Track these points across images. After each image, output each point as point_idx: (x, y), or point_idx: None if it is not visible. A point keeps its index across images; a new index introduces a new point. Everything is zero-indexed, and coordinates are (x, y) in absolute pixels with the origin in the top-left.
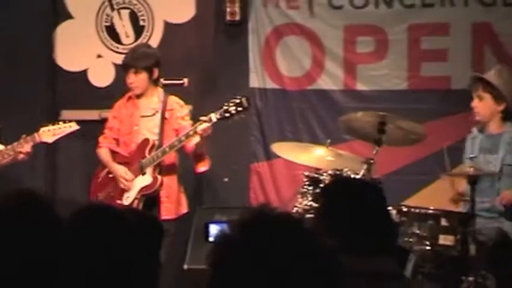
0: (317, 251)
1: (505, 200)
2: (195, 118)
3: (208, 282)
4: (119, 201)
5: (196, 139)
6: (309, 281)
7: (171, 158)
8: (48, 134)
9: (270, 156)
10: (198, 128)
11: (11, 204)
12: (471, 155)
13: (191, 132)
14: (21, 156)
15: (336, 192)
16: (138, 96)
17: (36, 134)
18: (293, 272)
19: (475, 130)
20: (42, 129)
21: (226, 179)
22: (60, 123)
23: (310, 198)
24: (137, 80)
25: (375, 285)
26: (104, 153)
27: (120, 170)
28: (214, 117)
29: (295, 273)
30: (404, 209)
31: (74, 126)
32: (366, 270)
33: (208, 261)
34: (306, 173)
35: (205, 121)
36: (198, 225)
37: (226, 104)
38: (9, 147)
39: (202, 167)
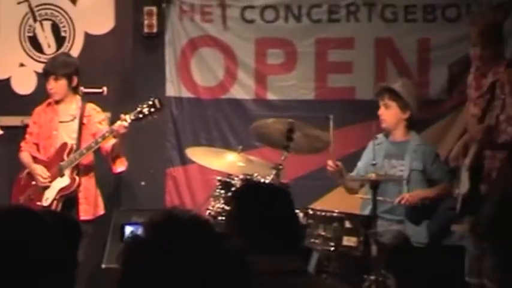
0: (224, 252)
1: (404, 200)
2: (111, 124)
3: (119, 280)
4: (38, 203)
5: (112, 141)
6: (217, 280)
7: (88, 159)
8: None
9: (185, 161)
10: (114, 126)
11: None
12: (373, 162)
13: (107, 134)
14: None
15: (246, 196)
16: (57, 103)
17: None
18: (201, 272)
19: (380, 136)
20: None
21: (143, 183)
22: None
23: (222, 202)
24: (57, 86)
25: (282, 282)
26: (25, 156)
27: (38, 169)
28: (128, 117)
29: (203, 274)
30: (311, 212)
31: None
32: (274, 269)
33: (119, 261)
34: (219, 178)
35: (121, 121)
36: (115, 226)
37: (140, 105)
38: None
39: (120, 168)
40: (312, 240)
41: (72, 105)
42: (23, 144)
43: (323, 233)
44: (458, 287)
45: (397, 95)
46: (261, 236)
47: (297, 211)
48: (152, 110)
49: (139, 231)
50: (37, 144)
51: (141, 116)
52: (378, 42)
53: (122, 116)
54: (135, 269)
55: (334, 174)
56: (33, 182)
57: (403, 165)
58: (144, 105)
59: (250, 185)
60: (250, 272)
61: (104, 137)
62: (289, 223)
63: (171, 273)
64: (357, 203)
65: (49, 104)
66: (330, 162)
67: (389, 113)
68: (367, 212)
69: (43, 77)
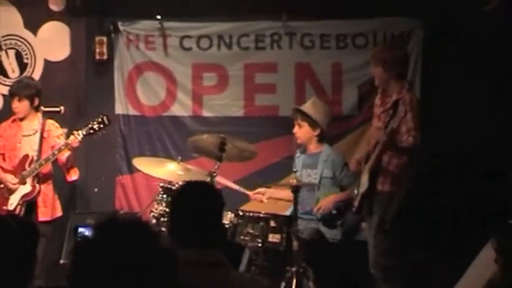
0: (158, 248)
1: (321, 209)
2: (67, 138)
3: (68, 275)
4: (4, 207)
5: (67, 153)
6: (152, 273)
7: (47, 169)
8: None
9: (132, 170)
10: (68, 140)
11: None
12: (294, 170)
13: (62, 147)
14: None
15: (175, 198)
16: (21, 119)
17: None
18: (138, 266)
19: (297, 152)
20: None
21: (96, 189)
22: None
23: (164, 205)
24: (20, 106)
25: (204, 271)
26: None
27: (7, 177)
28: (81, 133)
29: (140, 267)
30: (241, 213)
31: None
32: (198, 260)
33: (70, 256)
34: (161, 184)
35: (75, 136)
36: (71, 227)
37: (91, 122)
38: None
39: (73, 176)
40: (242, 237)
41: (35, 121)
42: None
43: (251, 231)
44: (368, 277)
45: (307, 115)
46: (186, 232)
47: (228, 212)
48: (101, 126)
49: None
50: (3, 155)
51: (92, 131)
52: (297, 66)
53: (75, 131)
54: (82, 264)
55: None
56: (0, 186)
57: (316, 173)
58: (95, 122)
59: (180, 190)
60: (178, 262)
61: (59, 150)
62: (211, 222)
63: (113, 268)
64: (279, 206)
65: (14, 120)
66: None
67: (302, 131)
68: (288, 212)
69: (8, 97)
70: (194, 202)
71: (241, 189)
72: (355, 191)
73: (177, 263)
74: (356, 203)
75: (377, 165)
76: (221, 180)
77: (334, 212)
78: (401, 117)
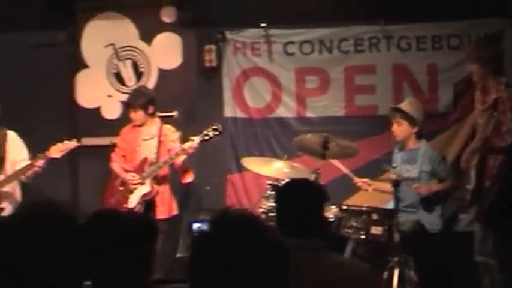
0: (268, 241)
1: (420, 188)
2: (182, 142)
3: (188, 265)
4: (124, 205)
5: (183, 157)
6: (262, 261)
7: (164, 171)
8: (56, 150)
9: (241, 169)
10: (185, 146)
11: (34, 212)
12: (394, 165)
13: (179, 151)
14: (37, 169)
15: (281, 194)
16: (140, 125)
17: (47, 152)
18: (249, 256)
19: (396, 148)
20: (51, 148)
21: (208, 188)
22: (64, 141)
23: (272, 201)
24: (136, 115)
25: (305, 255)
26: (115, 166)
27: (128, 175)
28: (197, 139)
29: (251, 256)
30: (344, 207)
31: (75, 143)
32: (301, 246)
33: (189, 249)
34: (269, 182)
35: (191, 142)
36: (186, 223)
37: (206, 129)
38: (28, 162)
39: (188, 179)
40: (346, 230)
41: (153, 126)
42: (113, 155)
43: (354, 224)
44: (467, 266)
45: (406, 114)
46: (290, 225)
47: (332, 206)
48: (216, 133)
49: (205, 227)
50: (124, 156)
51: (207, 138)
52: (395, 67)
53: (191, 138)
54: (200, 256)
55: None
56: (121, 188)
57: (415, 168)
58: (209, 129)
59: (285, 186)
60: (286, 249)
61: (177, 154)
62: (312, 215)
63: (228, 259)
64: (379, 200)
65: (134, 125)
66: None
67: (401, 129)
68: (390, 206)
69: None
70: (296, 198)
71: (351, 175)
72: (468, 187)
73: (286, 253)
74: (468, 198)
75: (482, 163)
76: (336, 164)
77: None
78: (501, 116)
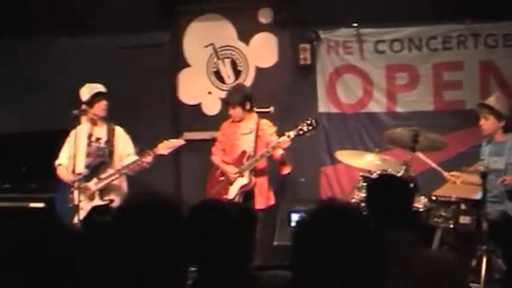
0: (369, 229)
1: (506, 181)
2: (278, 136)
3: (291, 252)
4: (225, 196)
5: (280, 151)
6: (364, 250)
7: (262, 163)
8: (163, 148)
9: (334, 161)
10: (280, 140)
11: (142, 203)
12: (482, 158)
13: (276, 145)
14: (145, 165)
15: (373, 187)
16: (239, 120)
17: (155, 149)
18: (352, 244)
19: (483, 142)
20: (159, 145)
21: (303, 179)
22: (172, 139)
23: (364, 192)
24: (234, 112)
25: (398, 247)
26: (216, 159)
27: (229, 168)
28: (292, 134)
29: (353, 245)
30: (434, 198)
31: (182, 141)
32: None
33: (292, 238)
34: (361, 173)
35: (286, 137)
36: (282, 213)
37: (300, 124)
38: (138, 158)
39: (286, 171)
40: (435, 219)
41: (251, 121)
42: (213, 149)
43: (444, 214)
44: None
45: (493, 109)
46: (380, 217)
47: (422, 197)
48: (310, 128)
49: (304, 215)
50: (224, 150)
51: (301, 132)
52: (482, 64)
53: (286, 132)
54: (302, 245)
55: None
56: (221, 178)
57: (502, 160)
58: (304, 124)
59: (378, 179)
60: (387, 247)
61: (273, 148)
62: (404, 206)
63: (330, 247)
64: (467, 190)
65: (233, 121)
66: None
67: (488, 124)
68: (477, 196)
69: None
70: (386, 193)
71: (439, 169)
72: None
73: (385, 244)
74: None
75: None
76: (424, 158)
77: None
78: None
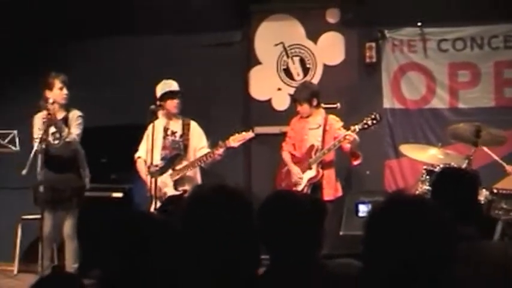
0: (440, 218)
1: None
2: (345, 130)
3: (363, 241)
4: (294, 188)
5: (347, 144)
6: (436, 238)
7: (330, 156)
8: (234, 140)
9: (398, 155)
10: (346, 133)
11: (215, 195)
12: None
13: (342, 139)
14: (217, 157)
15: (437, 180)
16: (307, 116)
17: (226, 142)
18: (424, 233)
19: None
20: (230, 137)
21: (368, 172)
22: (243, 132)
23: (427, 184)
24: (301, 108)
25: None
26: (285, 155)
27: (295, 169)
28: (357, 127)
29: (426, 234)
30: (495, 190)
31: (251, 134)
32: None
33: (364, 228)
34: (424, 167)
35: (351, 130)
36: (349, 204)
37: (365, 118)
38: (209, 150)
39: (357, 161)
40: (496, 212)
41: (318, 117)
42: (284, 144)
43: (505, 206)
44: None
45: None
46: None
47: (483, 189)
48: (374, 122)
49: (369, 207)
50: (294, 145)
51: (366, 126)
52: None
53: (352, 126)
54: (374, 233)
55: None
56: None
57: None
58: (368, 118)
59: (444, 172)
60: (456, 238)
61: (339, 141)
62: (469, 200)
63: (402, 236)
64: None
65: (301, 117)
66: None
67: None
68: None
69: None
70: (451, 187)
71: (502, 162)
72: None
73: (455, 235)
74: None
75: None
76: (488, 151)
77: None
78: None
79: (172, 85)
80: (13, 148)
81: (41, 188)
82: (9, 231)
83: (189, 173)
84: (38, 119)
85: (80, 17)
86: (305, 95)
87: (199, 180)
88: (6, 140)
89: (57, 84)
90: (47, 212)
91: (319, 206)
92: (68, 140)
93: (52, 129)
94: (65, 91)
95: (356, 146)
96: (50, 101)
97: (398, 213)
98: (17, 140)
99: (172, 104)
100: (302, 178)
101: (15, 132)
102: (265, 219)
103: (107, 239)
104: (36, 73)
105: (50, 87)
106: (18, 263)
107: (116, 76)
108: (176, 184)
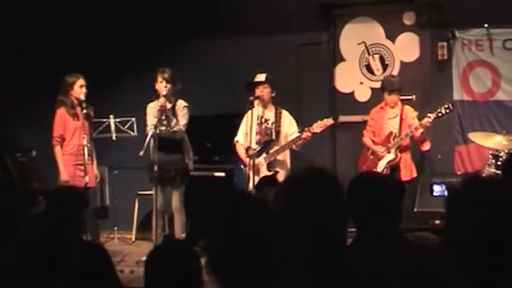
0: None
1: None
2: (419, 119)
3: (446, 215)
4: (374, 169)
5: (420, 130)
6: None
7: (406, 142)
8: (317, 126)
9: (466, 141)
10: (423, 121)
11: (309, 177)
12: None
13: (418, 126)
14: (303, 141)
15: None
16: (392, 106)
17: (310, 128)
18: (502, 208)
19: None
20: (314, 124)
21: (439, 156)
22: (325, 119)
23: (493, 168)
24: (390, 98)
25: None
26: (366, 140)
27: (378, 148)
28: (432, 116)
29: (504, 209)
30: None
31: (331, 121)
32: None
33: (445, 206)
34: (490, 152)
35: (427, 117)
36: (422, 184)
37: (439, 108)
38: (297, 135)
39: (426, 147)
40: None
41: (396, 108)
42: (364, 132)
43: None
44: None
45: None
46: None
47: None
48: (447, 111)
49: (444, 187)
50: (373, 132)
51: (440, 115)
52: None
53: (428, 114)
54: (456, 208)
55: None
56: (371, 157)
57: None
58: (442, 108)
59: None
60: None
61: (416, 128)
62: None
63: (482, 213)
64: None
65: (381, 107)
66: None
67: None
68: None
69: (377, 91)
70: None
71: None
72: None
73: None
74: None
75: None
76: None
77: None
78: None
79: (260, 77)
80: (131, 133)
81: (155, 168)
82: (128, 205)
83: (280, 156)
84: (150, 108)
85: (188, 20)
86: (397, 86)
87: (288, 162)
88: (126, 126)
89: (159, 78)
90: (159, 189)
91: (399, 186)
92: (175, 129)
93: (162, 117)
94: (164, 84)
95: (425, 134)
96: (164, 93)
97: (479, 191)
98: (135, 126)
99: (258, 91)
100: (383, 158)
101: (134, 119)
102: (354, 196)
103: (211, 213)
104: (151, 68)
105: (156, 81)
106: (136, 231)
107: (217, 72)
108: (269, 166)
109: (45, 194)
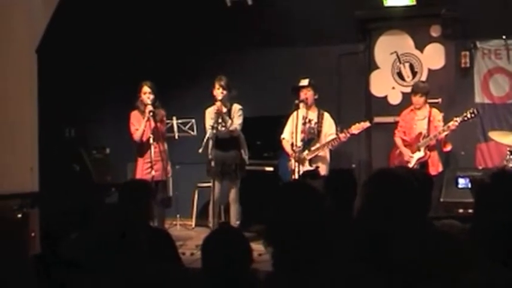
0: None
1: None
2: (445, 121)
3: (475, 204)
4: (405, 165)
5: (445, 133)
6: None
7: (433, 141)
8: (355, 128)
9: (486, 139)
10: (450, 124)
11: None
12: None
13: (445, 128)
14: (341, 141)
15: None
16: (419, 108)
17: (349, 129)
18: None
19: None
20: (352, 126)
21: (463, 153)
22: (361, 122)
23: (511, 163)
24: (417, 100)
25: None
26: (397, 140)
27: (405, 151)
28: (459, 119)
29: None
30: None
31: (368, 124)
32: None
33: (474, 196)
34: (509, 149)
35: (454, 121)
36: (448, 178)
37: (464, 112)
38: (335, 136)
39: (447, 148)
40: None
41: (424, 110)
42: (396, 131)
43: None
44: None
45: None
46: None
47: None
48: (473, 116)
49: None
50: (404, 132)
51: (465, 119)
52: None
53: (455, 118)
54: (484, 198)
55: None
56: (399, 157)
57: None
58: (468, 113)
59: None
60: None
61: (443, 130)
62: None
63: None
64: None
65: (412, 109)
66: None
67: None
68: None
69: (408, 95)
70: None
71: None
72: None
73: None
74: None
75: None
76: None
77: None
78: None
79: (303, 81)
80: (191, 133)
81: (212, 163)
82: (188, 195)
83: (321, 153)
84: (208, 112)
85: (243, 33)
86: (424, 89)
87: (328, 159)
88: (187, 127)
89: (217, 85)
90: (217, 181)
91: (429, 179)
92: (231, 129)
93: (219, 120)
94: (221, 90)
95: (449, 137)
96: (219, 97)
97: (505, 183)
98: (194, 126)
99: (302, 95)
100: (413, 157)
101: (193, 120)
102: (380, 188)
103: (263, 203)
104: (209, 76)
105: (214, 87)
106: (195, 219)
107: (267, 79)
108: (310, 161)
109: (117, 187)
